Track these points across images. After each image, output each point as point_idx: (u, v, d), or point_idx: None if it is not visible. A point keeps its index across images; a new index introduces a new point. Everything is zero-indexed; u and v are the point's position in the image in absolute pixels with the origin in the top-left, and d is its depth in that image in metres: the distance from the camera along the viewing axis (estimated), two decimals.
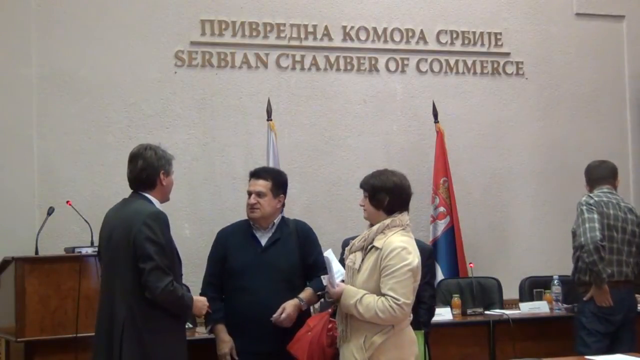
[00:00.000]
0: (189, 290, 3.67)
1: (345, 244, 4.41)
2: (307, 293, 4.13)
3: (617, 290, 4.80)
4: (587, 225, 4.80)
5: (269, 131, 5.65)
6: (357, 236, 4.36)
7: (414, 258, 3.51)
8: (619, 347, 4.61)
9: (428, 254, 4.59)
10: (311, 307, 4.37)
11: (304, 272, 4.20)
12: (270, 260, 4.14)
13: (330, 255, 3.70)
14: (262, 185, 4.20)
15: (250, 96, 5.91)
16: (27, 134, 5.45)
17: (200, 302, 3.76)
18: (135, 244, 3.43)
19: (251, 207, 4.19)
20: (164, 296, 3.42)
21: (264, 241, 4.22)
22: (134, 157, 3.64)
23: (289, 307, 4.03)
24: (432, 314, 4.49)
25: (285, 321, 4.00)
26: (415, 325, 3.76)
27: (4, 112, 5.42)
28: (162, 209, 3.65)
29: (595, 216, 4.81)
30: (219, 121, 5.85)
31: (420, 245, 4.74)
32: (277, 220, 4.26)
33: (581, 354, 4.56)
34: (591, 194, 4.95)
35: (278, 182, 4.26)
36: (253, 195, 4.19)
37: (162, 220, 3.51)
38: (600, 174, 5.05)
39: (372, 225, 3.64)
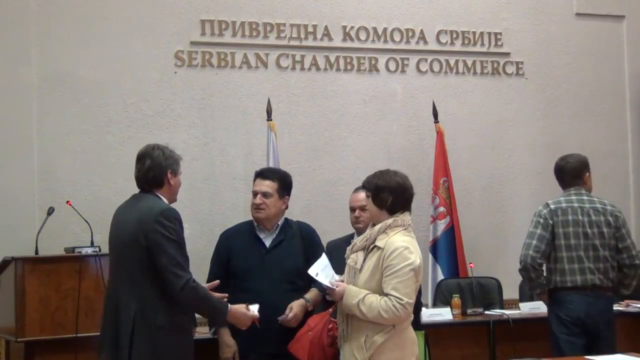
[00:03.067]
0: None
1: (331, 245, 4.44)
2: (312, 293, 4.13)
3: (579, 295, 4.65)
4: (527, 240, 4.74)
5: (269, 131, 5.65)
6: (339, 239, 4.39)
7: (416, 258, 3.52)
8: (599, 350, 4.53)
9: None
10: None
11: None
12: (275, 262, 4.14)
13: (313, 271, 3.68)
14: (268, 185, 4.19)
15: (250, 96, 5.91)
16: (27, 134, 5.45)
17: (242, 313, 3.62)
18: (150, 241, 3.42)
19: (257, 207, 4.18)
20: (185, 294, 3.42)
21: (267, 242, 4.21)
22: (141, 157, 3.63)
23: (296, 307, 4.03)
24: (420, 310, 4.54)
25: (292, 321, 4.00)
26: (416, 325, 3.76)
27: (4, 112, 5.42)
28: None
29: (538, 231, 4.70)
30: (219, 121, 5.85)
31: None
32: (280, 222, 4.26)
33: (557, 355, 4.53)
34: (549, 201, 4.79)
35: (284, 183, 4.26)
36: (259, 196, 4.18)
37: (175, 217, 3.50)
38: (564, 176, 4.88)
39: (374, 225, 3.64)
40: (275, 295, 4.03)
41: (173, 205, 3.67)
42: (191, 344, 3.64)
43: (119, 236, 3.57)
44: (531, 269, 4.67)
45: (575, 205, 4.76)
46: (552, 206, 4.76)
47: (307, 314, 4.08)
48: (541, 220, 4.74)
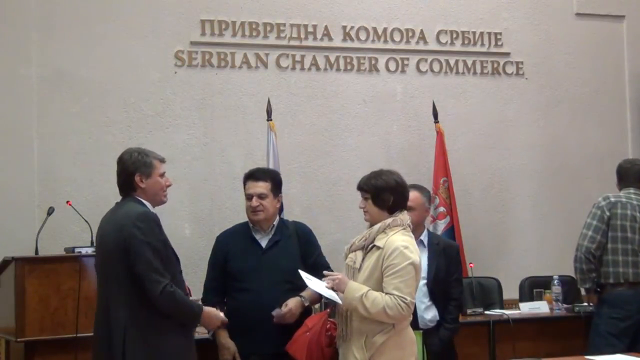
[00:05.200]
0: (188, 290, 3.65)
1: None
2: (309, 292, 4.13)
3: (632, 290, 4.77)
4: (584, 230, 4.87)
5: (269, 131, 5.65)
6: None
7: (416, 257, 3.52)
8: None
9: (456, 251, 4.67)
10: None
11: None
12: (272, 262, 4.14)
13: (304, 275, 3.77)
14: (262, 186, 4.20)
15: (250, 96, 5.91)
16: (27, 134, 5.45)
17: (214, 314, 3.67)
18: (128, 247, 3.41)
19: (254, 210, 4.18)
20: (163, 299, 3.39)
21: (264, 243, 4.22)
22: (117, 162, 3.68)
23: (291, 303, 4.03)
24: (461, 310, 4.76)
25: (288, 315, 3.99)
26: (414, 325, 3.76)
27: (4, 112, 5.42)
28: (159, 209, 3.64)
29: (594, 223, 4.83)
30: (219, 121, 5.85)
31: (448, 242, 4.84)
32: (275, 222, 4.26)
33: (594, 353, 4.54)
34: (609, 194, 4.94)
35: (276, 182, 4.27)
36: (255, 198, 4.18)
37: (151, 220, 3.48)
38: (627, 177, 5.01)
39: (372, 225, 3.64)
40: (274, 296, 4.04)
41: (167, 203, 3.68)
42: (191, 343, 3.63)
43: (102, 244, 3.58)
44: (584, 259, 4.77)
45: (634, 202, 4.89)
46: (612, 199, 4.89)
47: (304, 311, 4.08)
48: (598, 212, 4.86)
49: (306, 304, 4.11)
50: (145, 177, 3.59)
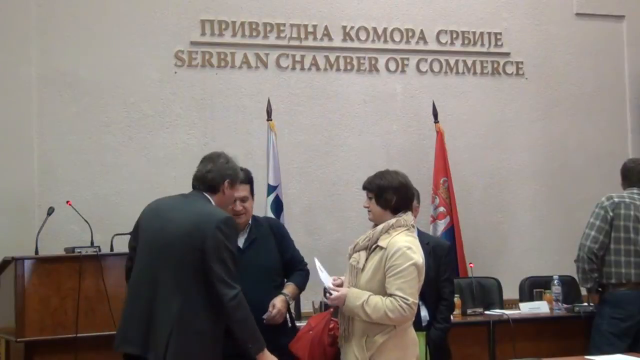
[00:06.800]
0: None
1: None
2: (290, 288, 4.11)
3: (634, 291, 4.77)
4: (587, 230, 4.88)
5: (269, 131, 5.65)
6: None
7: (419, 258, 3.51)
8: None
9: (446, 251, 4.65)
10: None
11: (283, 268, 4.19)
12: (251, 260, 4.11)
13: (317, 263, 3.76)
14: (245, 190, 4.17)
15: (250, 96, 5.91)
16: (27, 134, 5.45)
17: None
18: (208, 246, 3.37)
19: (237, 214, 4.13)
20: (235, 304, 3.40)
21: (241, 243, 4.18)
22: (206, 159, 3.65)
23: (278, 303, 4.01)
24: (452, 310, 4.69)
25: (277, 316, 3.98)
26: (417, 326, 3.76)
27: (4, 112, 5.42)
28: None
29: (597, 223, 4.83)
30: (219, 121, 5.85)
31: (439, 242, 4.80)
32: (250, 220, 4.25)
33: (595, 353, 4.54)
34: (613, 194, 4.94)
35: (252, 182, 4.25)
36: (238, 202, 4.14)
37: (235, 228, 3.52)
38: (631, 176, 5.01)
39: (376, 225, 3.63)
40: (258, 294, 3.99)
41: None
42: (221, 353, 3.56)
43: (165, 232, 3.45)
44: (587, 259, 4.77)
45: (638, 203, 4.88)
46: (615, 199, 4.89)
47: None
48: (602, 212, 4.85)
49: (291, 302, 4.11)
50: (230, 185, 3.63)
